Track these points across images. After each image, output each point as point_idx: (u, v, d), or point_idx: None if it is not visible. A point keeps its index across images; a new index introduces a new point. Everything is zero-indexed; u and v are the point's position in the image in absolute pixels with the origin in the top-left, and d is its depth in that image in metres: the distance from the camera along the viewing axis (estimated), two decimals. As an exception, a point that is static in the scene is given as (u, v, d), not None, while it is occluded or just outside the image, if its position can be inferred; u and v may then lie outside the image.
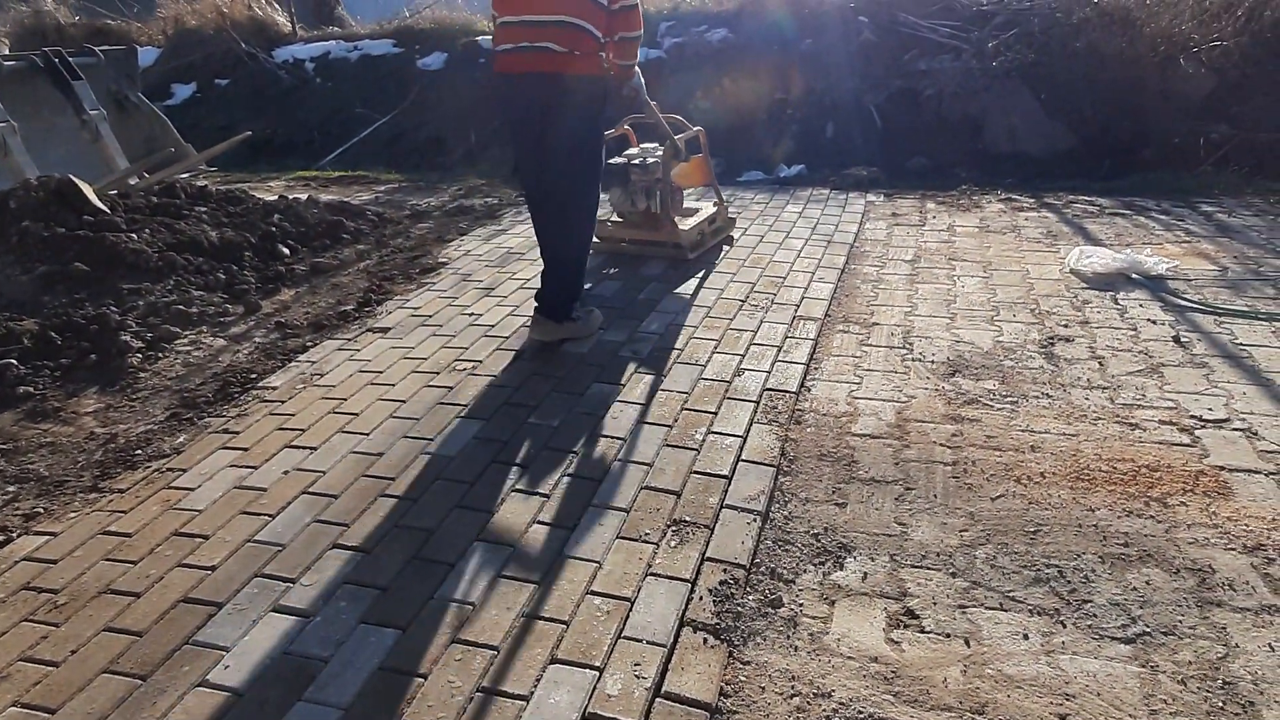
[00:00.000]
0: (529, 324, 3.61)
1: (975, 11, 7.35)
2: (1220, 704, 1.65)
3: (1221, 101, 6.31)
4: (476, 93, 8.61)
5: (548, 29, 3.18)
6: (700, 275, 4.26)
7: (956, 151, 6.67)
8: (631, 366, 3.26)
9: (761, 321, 3.63)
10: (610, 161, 4.25)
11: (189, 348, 3.67)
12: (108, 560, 2.25)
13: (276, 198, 5.66)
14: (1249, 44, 6.29)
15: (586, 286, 3.86)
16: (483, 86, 8.59)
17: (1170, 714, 1.63)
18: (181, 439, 2.89)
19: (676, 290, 4.06)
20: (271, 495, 2.50)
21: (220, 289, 4.28)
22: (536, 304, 3.55)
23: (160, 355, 3.57)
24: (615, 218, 4.76)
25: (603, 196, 4.22)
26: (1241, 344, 3.20)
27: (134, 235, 4.42)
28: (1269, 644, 1.79)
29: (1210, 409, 2.74)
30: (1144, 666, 1.75)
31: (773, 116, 7.29)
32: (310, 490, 2.52)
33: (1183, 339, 3.26)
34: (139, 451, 2.81)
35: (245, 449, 2.78)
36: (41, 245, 4.25)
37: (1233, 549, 2.08)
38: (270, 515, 2.40)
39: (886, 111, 7.06)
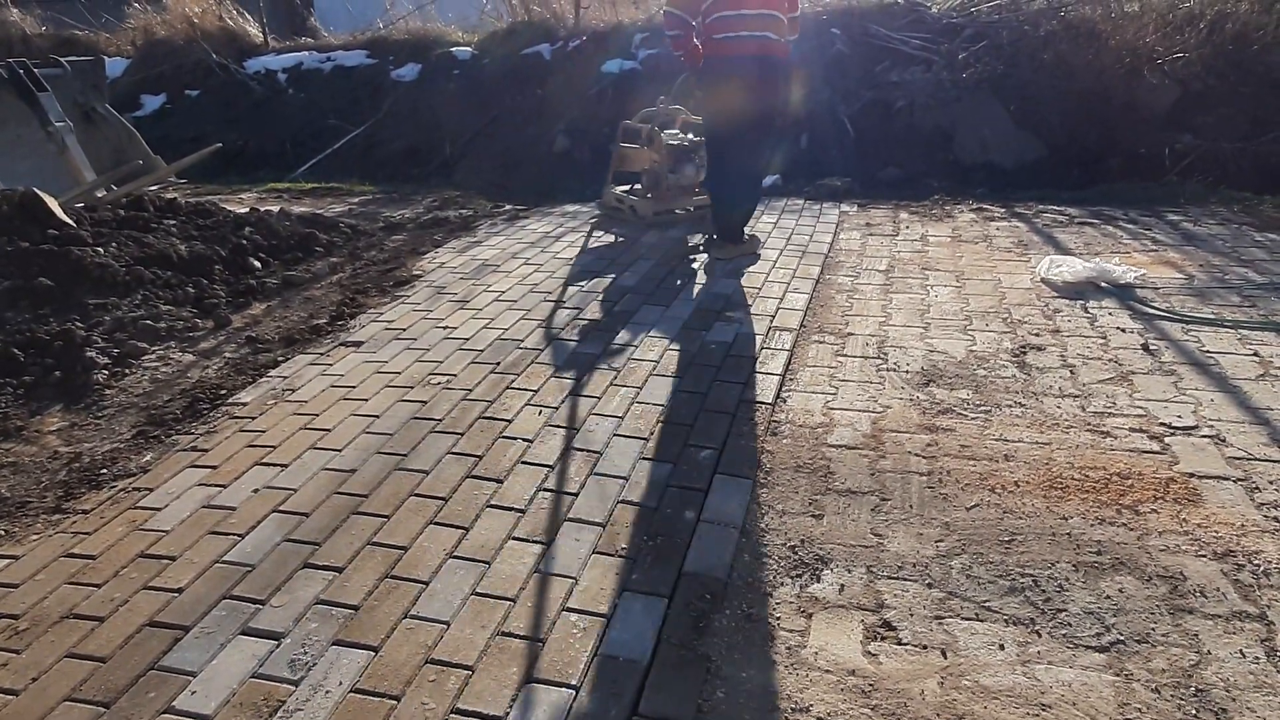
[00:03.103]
0: (709, 248, 4.82)
1: (945, 24, 7.45)
2: (1194, 711, 1.66)
3: (1186, 112, 6.44)
4: (451, 104, 8.60)
5: (763, 21, 4.26)
6: (676, 286, 4.26)
7: (928, 162, 6.74)
8: (607, 379, 3.24)
9: (737, 333, 3.63)
10: (677, 144, 5.35)
11: (157, 363, 3.61)
12: (71, 584, 2.19)
13: (248, 210, 5.59)
14: (1211, 56, 6.43)
15: (553, 296, 4.08)
16: (460, 96, 8.58)
17: (1145, 722, 1.64)
18: (148, 457, 2.84)
19: (652, 302, 4.06)
20: (241, 514, 2.46)
21: (189, 303, 4.21)
22: (715, 235, 4.83)
23: (127, 371, 3.51)
24: (647, 194, 5.55)
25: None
26: (1208, 351, 3.25)
27: (100, 249, 4.34)
28: (1240, 650, 1.81)
29: (1179, 416, 2.78)
30: (1118, 675, 1.76)
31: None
32: (281, 509, 2.48)
33: (1151, 347, 3.31)
34: (104, 471, 2.75)
35: (214, 467, 2.73)
36: (4, 260, 4.16)
37: (1203, 556, 2.10)
38: (239, 535, 2.35)
39: (859, 122, 7.12)
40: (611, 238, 5.28)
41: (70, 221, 4.59)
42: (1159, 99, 6.48)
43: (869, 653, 1.86)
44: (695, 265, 4.61)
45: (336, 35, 10.92)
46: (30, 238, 4.33)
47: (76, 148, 5.96)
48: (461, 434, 2.88)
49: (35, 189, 4.63)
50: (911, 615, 1.96)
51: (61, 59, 6.50)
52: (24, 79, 5.87)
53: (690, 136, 5.43)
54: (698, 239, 5.17)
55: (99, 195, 5.69)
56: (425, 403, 3.12)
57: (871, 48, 7.49)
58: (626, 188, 5.79)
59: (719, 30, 4.33)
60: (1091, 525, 2.25)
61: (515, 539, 2.29)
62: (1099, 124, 6.52)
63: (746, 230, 4.87)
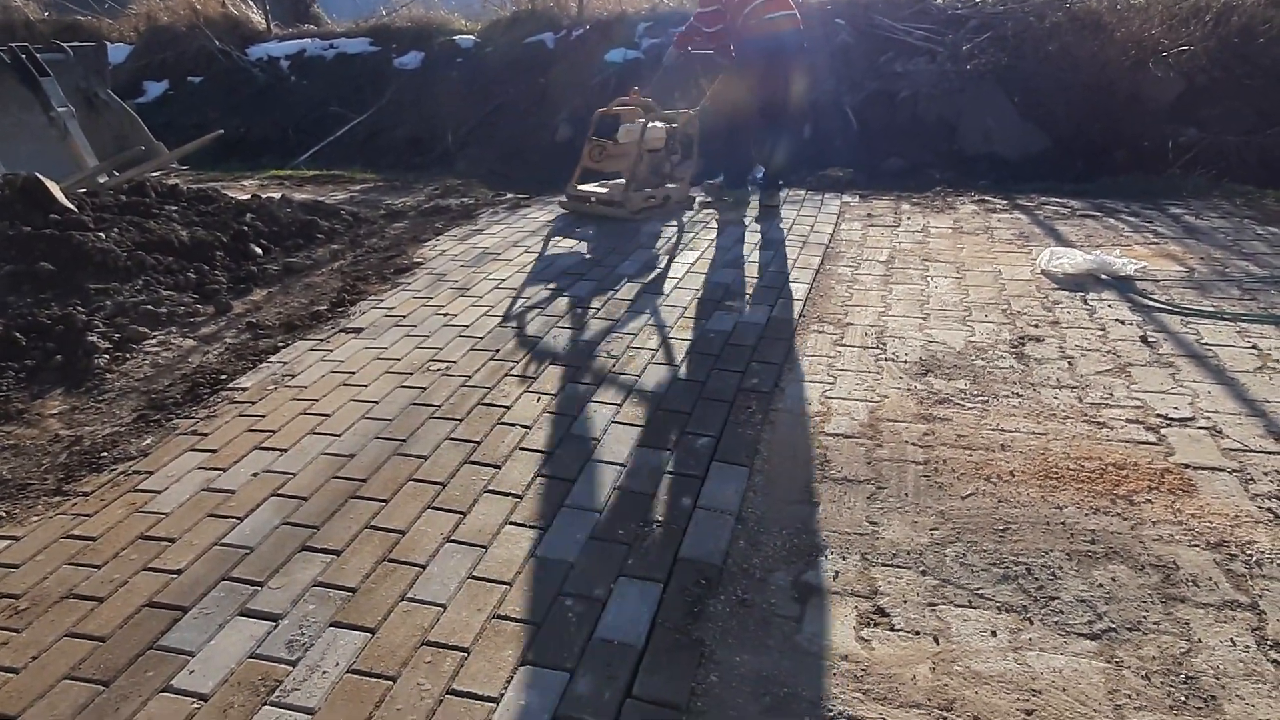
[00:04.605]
0: (761, 205, 5.56)
1: (950, 15, 7.42)
2: (1183, 698, 1.67)
3: (1190, 105, 6.41)
4: (453, 92, 8.58)
5: (787, 2, 5.11)
6: (676, 275, 4.27)
7: (931, 153, 6.72)
8: (606, 366, 3.25)
9: (736, 322, 3.64)
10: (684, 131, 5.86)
11: (157, 348, 3.62)
12: (71, 564, 2.21)
13: (249, 197, 5.60)
14: (1216, 49, 6.39)
15: (553, 284, 4.13)
16: (463, 84, 8.56)
17: (1134, 709, 1.65)
18: (149, 441, 2.85)
19: (651, 290, 4.06)
20: (240, 498, 2.47)
21: (190, 289, 4.22)
22: (764, 188, 5.62)
23: (128, 356, 3.52)
24: (683, 181, 5.75)
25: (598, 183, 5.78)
26: (1207, 344, 3.25)
27: (102, 234, 4.35)
28: (1231, 639, 1.82)
29: (1176, 408, 2.78)
30: (1109, 662, 1.77)
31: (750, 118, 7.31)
32: (280, 492, 2.49)
33: (1150, 339, 3.31)
34: (105, 454, 2.77)
35: (214, 451, 2.75)
36: (6, 244, 4.17)
37: (1196, 545, 2.11)
38: (238, 518, 2.37)
39: (863, 113, 7.11)
40: (610, 227, 5.28)
41: (72, 206, 4.60)
42: (1164, 92, 6.45)
43: (862, 638, 1.87)
44: (695, 254, 4.61)
45: (339, 22, 10.91)
46: (32, 222, 4.34)
47: (79, 133, 5.97)
48: (460, 420, 2.89)
49: (37, 174, 4.64)
50: (905, 602, 1.97)
51: (64, 44, 6.51)
52: (26, 64, 5.87)
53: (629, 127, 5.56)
54: (694, 211, 5.46)
55: (101, 181, 5.69)
56: (424, 389, 3.13)
57: (876, 38, 7.46)
58: (603, 185, 5.63)
59: (759, 11, 5.06)
60: (1086, 515, 2.25)
61: (512, 524, 2.30)
62: (1103, 116, 6.49)
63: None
